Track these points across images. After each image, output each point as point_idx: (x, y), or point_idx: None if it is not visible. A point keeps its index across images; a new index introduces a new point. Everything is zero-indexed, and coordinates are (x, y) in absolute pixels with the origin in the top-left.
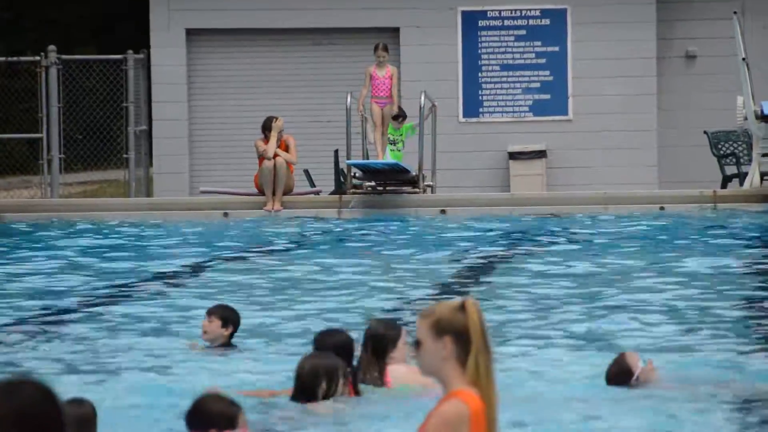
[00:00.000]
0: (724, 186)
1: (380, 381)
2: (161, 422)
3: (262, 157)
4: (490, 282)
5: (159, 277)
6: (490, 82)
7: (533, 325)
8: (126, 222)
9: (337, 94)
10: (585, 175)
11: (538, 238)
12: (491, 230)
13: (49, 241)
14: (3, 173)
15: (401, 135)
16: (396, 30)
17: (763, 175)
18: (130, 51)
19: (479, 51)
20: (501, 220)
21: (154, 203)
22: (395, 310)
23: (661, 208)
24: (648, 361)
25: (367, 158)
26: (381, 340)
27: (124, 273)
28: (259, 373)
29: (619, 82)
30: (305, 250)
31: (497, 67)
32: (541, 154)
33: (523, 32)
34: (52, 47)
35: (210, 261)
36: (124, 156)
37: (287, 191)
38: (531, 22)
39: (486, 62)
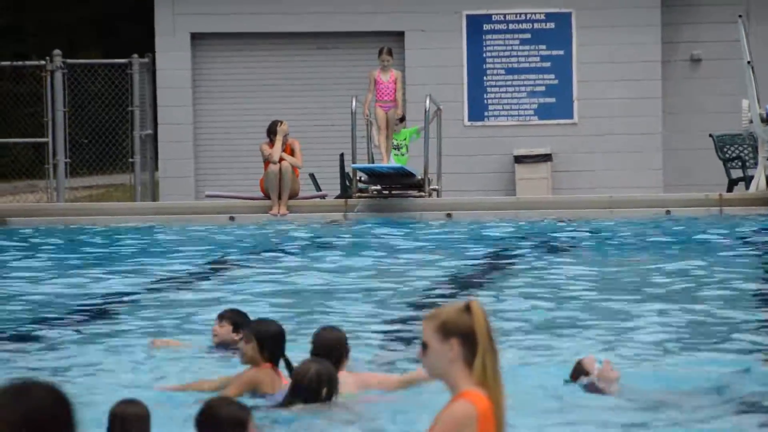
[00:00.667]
0: (729, 189)
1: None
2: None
3: (267, 161)
4: (494, 285)
5: (165, 281)
6: (495, 86)
7: (538, 327)
8: (132, 226)
9: (341, 98)
10: (590, 179)
11: (544, 242)
12: (496, 234)
13: (55, 246)
14: (9, 177)
15: (405, 140)
16: (401, 34)
17: None
18: (135, 55)
19: (484, 54)
20: (506, 224)
21: (160, 207)
22: (400, 313)
23: (667, 212)
24: (604, 361)
25: (373, 162)
26: (334, 351)
27: (129, 277)
28: None
29: (624, 86)
30: (311, 254)
31: (502, 71)
32: (546, 158)
33: (528, 36)
34: (57, 51)
35: (216, 265)
36: (130, 160)
37: (293, 195)
38: (536, 25)
39: (491, 66)
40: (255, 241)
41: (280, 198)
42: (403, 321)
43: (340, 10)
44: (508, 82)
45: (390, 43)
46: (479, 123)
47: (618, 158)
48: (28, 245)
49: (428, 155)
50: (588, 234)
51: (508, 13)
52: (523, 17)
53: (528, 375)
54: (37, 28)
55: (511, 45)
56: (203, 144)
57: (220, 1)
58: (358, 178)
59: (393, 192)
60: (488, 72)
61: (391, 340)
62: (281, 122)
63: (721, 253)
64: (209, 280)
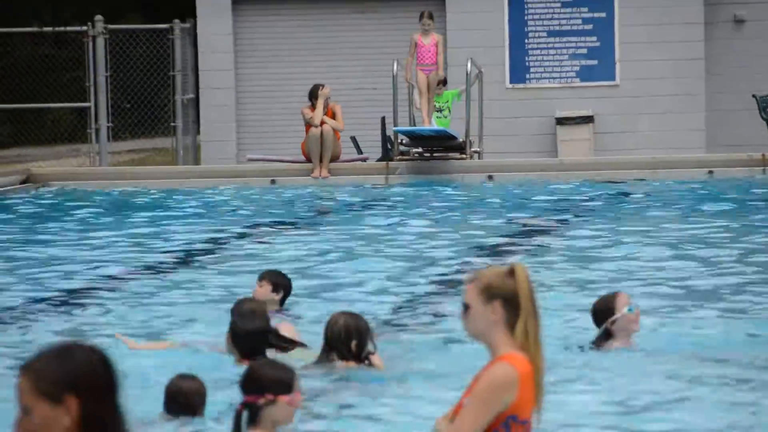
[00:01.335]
0: None
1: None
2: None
3: (308, 125)
4: (536, 247)
5: (206, 244)
6: (537, 48)
7: (579, 290)
8: (174, 190)
9: (383, 62)
10: (632, 140)
11: (585, 204)
12: (538, 196)
13: (97, 210)
14: (52, 142)
15: (447, 102)
16: None
17: None
18: (177, 20)
19: (526, 17)
20: (548, 186)
21: (202, 171)
22: (443, 275)
23: (710, 173)
24: (636, 309)
25: (414, 125)
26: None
27: (171, 241)
28: (304, 333)
29: (666, 47)
30: (352, 217)
31: (544, 33)
32: (588, 120)
33: None
34: (98, 17)
35: (257, 228)
36: (172, 124)
37: (334, 158)
38: None
39: (532, 28)
40: (296, 204)
41: (321, 161)
42: (444, 284)
43: None
44: (550, 45)
45: (431, 7)
46: (521, 85)
47: (660, 119)
48: (70, 209)
49: (470, 118)
50: (629, 195)
51: None
52: None
53: (562, 336)
54: None
55: (553, 7)
56: (245, 108)
57: None
58: (399, 141)
59: (434, 154)
60: (530, 34)
61: (433, 303)
62: (323, 86)
63: (764, 214)
64: (250, 243)
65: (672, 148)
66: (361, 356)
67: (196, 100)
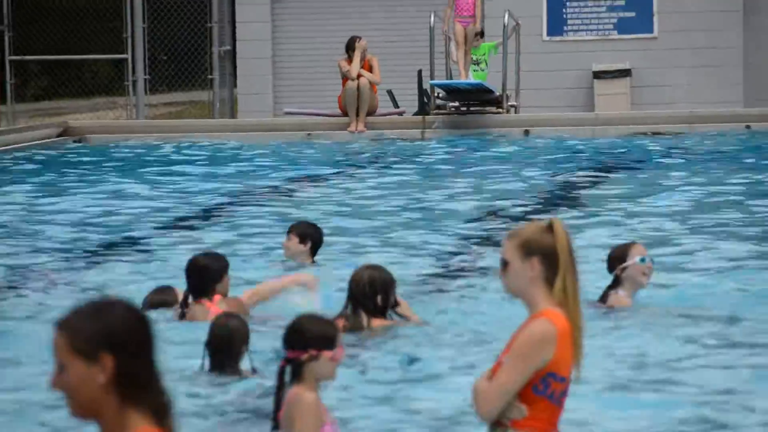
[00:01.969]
0: None
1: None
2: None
3: (345, 78)
4: (574, 202)
5: (242, 196)
6: (575, 1)
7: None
8: (210, 142)
9: (420, 14)
10: (669, 94)
11: (623, 158)
12: (576, 150)
13: (135, 162)
14: (89, 94)
15: (484, 55)
16: None
17: None
18: None
19: None
20: (585, 140)
21: (239, 124)
22: (480, 230)
23: (747, 127)
24: (648, 262)
25: (451, 78)
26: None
27: (207, 193)
28: (335, 291)
29: (704, 0)
30: (388, 170)
31: None
32: (625, 73)
33: None
34: None
35: (293, 181)
36: (209, 77)
37: (371, 112)
38: None
39: None
40: (333, 157)
41: (358, 114)
42: (481, 239)
43: None
44: None
45: None
46: (558, 38)
47: (698, 73)
48: (107, 161)
49: (506, 71)
50: (667, 149)
51: None
52: None
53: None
54: None
55: None
56: (282, 60)
57: None
58: (436, 94)
59: (471, 108)
60: None
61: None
62: (360, 38)
63: None
64: (286, 195)
65: (709, 102)
66: (386, 310)
67: (233, 52)
